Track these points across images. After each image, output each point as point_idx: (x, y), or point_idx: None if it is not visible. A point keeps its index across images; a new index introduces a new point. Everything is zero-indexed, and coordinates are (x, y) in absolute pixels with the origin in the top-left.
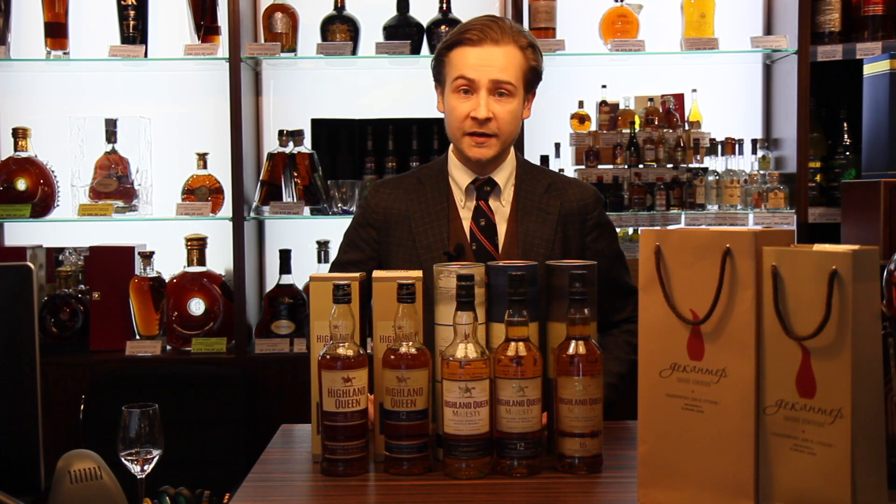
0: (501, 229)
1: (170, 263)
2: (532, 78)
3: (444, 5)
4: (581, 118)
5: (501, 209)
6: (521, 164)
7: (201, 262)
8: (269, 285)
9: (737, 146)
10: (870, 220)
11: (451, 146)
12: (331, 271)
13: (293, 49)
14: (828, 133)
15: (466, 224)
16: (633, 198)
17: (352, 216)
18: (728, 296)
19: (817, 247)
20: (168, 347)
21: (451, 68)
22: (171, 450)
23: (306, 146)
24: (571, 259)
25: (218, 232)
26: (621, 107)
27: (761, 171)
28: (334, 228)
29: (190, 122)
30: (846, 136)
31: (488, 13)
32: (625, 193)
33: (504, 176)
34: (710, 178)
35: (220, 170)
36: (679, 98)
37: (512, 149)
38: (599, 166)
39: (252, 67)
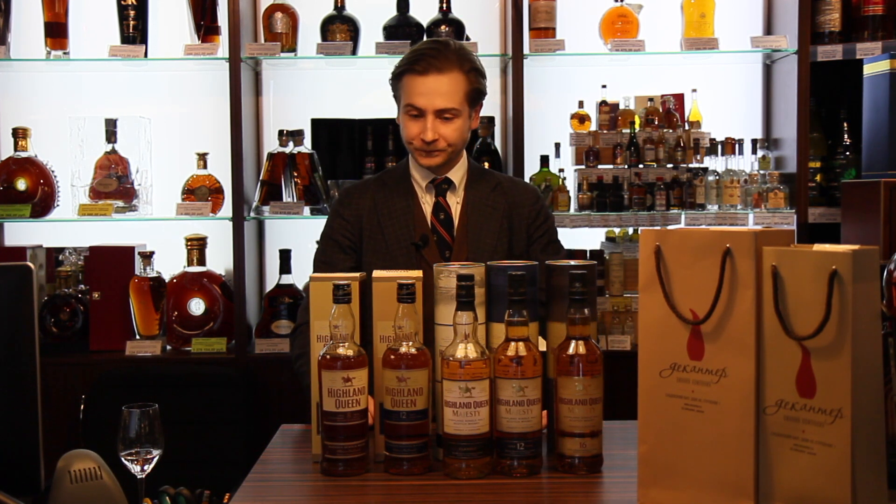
0: (455, 222)
1: (170, 263)
2: (475, 97)
3: (444, 5)
4: (581, 118)
5: (456, 205)
6: (471, 167)
7: (201, 262)
8: (269, 285)
9: (737, 146)
10: (870, 220)
11: None
12: (315, 271)
13: (293, 49)
14: (828, 133)
15: (429, 217)
16: (633, 198)
17: None
18: (728, 296)
19: (817, 247)
20: (168, 347)
21: (402, 93)
22: (171, 450)
23: (306, 146)
24: (517, 250)
25: (218, 232)
26: (621, 107)
27: (761, 171)
28: None
29: (190, 122)
30: (846, 136)
31: (488, 13)
32: (625, 193)
33: (458, 176)
34: (710, 178)
35: (220, 170)
36: (679, 98)
37: (464, 153)
38: (599, 166)
39: (252, 67)
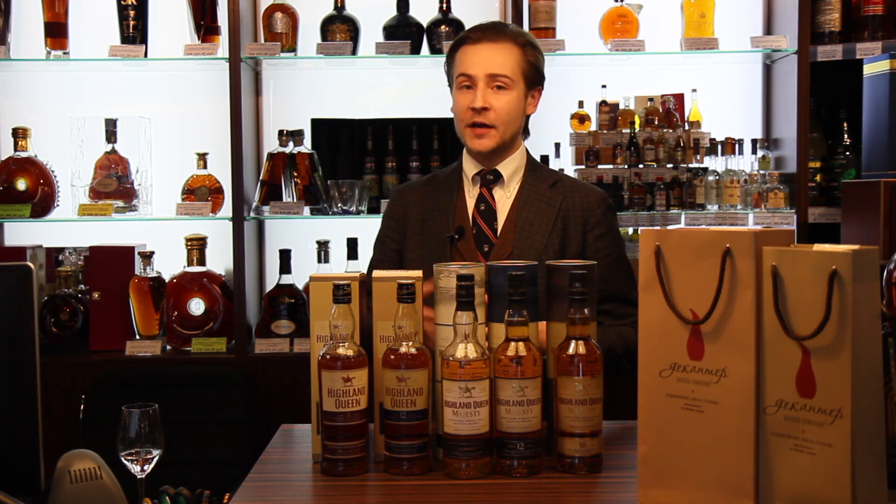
0: (502, 216)
1: (170, 263)
2: (532, 75)
3: (444, 5)
4: (581, 118)
5: (505, 199)
6: (531, 161)
7: (201, 262)
8: (269, 285)
9: (737, 146)
10: (870, 220)
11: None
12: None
13: (293, 49)
14: (828, 133)
15: (470, 210)
16: (633, 198)
17: (351, 216)
18: (728, 296)
19: (817, 247)
20: (168, 347)
21: (455, 67)
22: (171, 450)
23: (306, 146)
24: (570, 254)
25: (218, 232)
26: (621, 107)
27: (761, 171)
28: (334, 228)
29: (190, 122)
30: (846, 136)
31: (487, 13)
32: (625, 193)
33: (510, 169)
34: (710, 178)
35: (220, 170)
36: (679, 98)
37: (523, 146)
38: (599, 166)
39: (252, 67)
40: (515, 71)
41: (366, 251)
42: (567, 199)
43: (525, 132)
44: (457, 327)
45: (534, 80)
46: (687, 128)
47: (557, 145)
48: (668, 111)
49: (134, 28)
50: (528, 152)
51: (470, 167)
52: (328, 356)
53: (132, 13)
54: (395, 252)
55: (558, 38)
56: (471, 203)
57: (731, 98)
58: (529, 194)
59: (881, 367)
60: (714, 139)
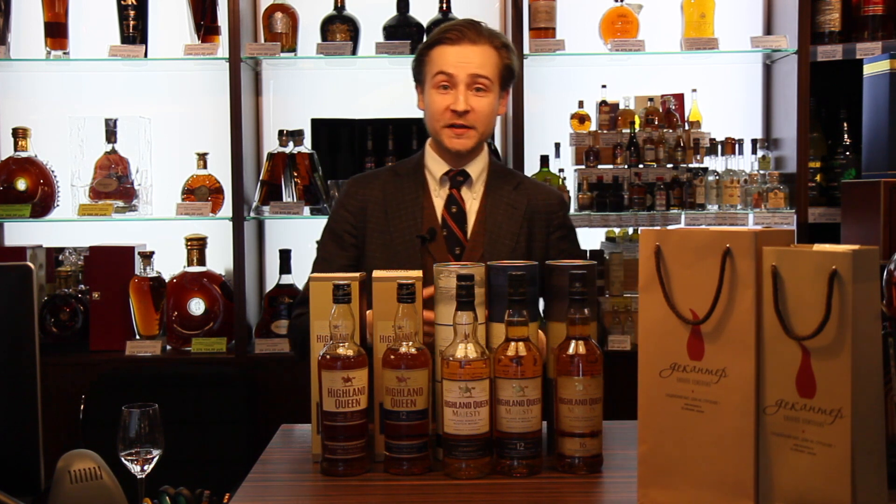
0: (471, 219)
1: (170, 263)
2: (507, 75)
3: (444, 5)
4: (581, 118)
5: (472, 201)
6: (493, 163)
7: (201, 262)
8: (269, 285)
9: (737, 146)
10: (870, 220)
11: (429, 140)
12: (315, 269)
13: (293, 49)
14: (828, 133)
15: (439, 211)
16: (633, 198)
17: None
18: (728, 296)
19: (817, 247)
20: (168, 347)
21: (431, 66)
22: (171, 450)
23: (306, 146)
24: (536, 255)
25: (218, 232)
26: (621, 107)
27: (761, 171)
28: None
29: (190, 122)
30: (846, 136)
31: (487, 13)
32: (625, 193)
33: (477, 169)
34: (710, 178)
35: (220, 170)
36: (679, 98)
37: (485, 146)
38: (599, 166)
39: (252, 67)
40: (494, 73)
41: None
42: (531, 202)
43: None
44: (457, 327)
45: (507, 81)
46: (687, 128)
47: (557, 145)
48: (668, 111)
49: (134, 28)
50: (489, 152)
51: (437, 166)
52: (328, 356)
53: (132, 13)
54: (354, 248)
55: (558, 38)
56: (438, 203)
57: (731, 98)
58: (496, 196)
59: (881, 367)
60: (714, 139)
